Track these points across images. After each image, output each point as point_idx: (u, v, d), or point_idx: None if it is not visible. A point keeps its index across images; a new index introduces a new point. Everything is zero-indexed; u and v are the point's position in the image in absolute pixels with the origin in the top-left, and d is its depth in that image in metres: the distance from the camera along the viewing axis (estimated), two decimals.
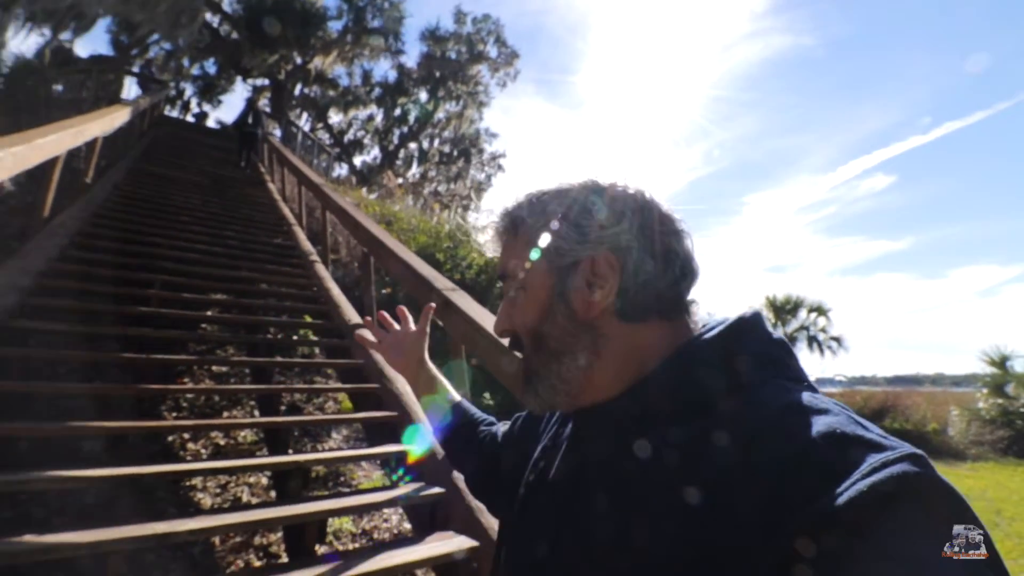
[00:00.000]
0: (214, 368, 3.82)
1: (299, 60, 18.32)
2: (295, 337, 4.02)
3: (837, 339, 13.49)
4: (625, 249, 0.50)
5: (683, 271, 0.51)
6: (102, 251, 3.60)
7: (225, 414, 3.53)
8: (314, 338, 3.93)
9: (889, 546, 0.32)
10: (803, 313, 13.61)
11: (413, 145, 22.83)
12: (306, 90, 20.45)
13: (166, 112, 13.31)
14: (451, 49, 20.86)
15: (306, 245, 5.28)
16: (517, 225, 0.56)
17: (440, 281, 2.57)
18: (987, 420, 9.88)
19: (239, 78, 18.23)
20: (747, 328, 0.48)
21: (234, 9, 16.12)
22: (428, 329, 0.91)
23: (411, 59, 20.81)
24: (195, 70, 17.77)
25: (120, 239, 3.90)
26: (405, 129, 22.48)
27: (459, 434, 0.84)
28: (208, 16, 14.98)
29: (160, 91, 10.41)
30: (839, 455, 0.35)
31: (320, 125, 21.85)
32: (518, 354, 0.57)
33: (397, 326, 0.93)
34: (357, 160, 22.30)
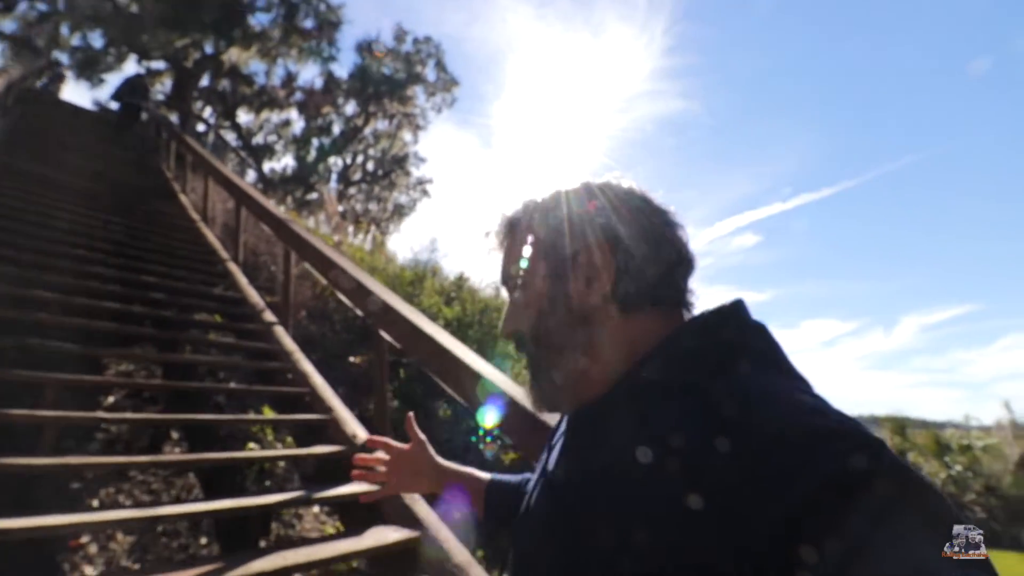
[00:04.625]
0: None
1: (211, 49, 16.12)
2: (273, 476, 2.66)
3: None
4: (615, 237, 0.51)
5: (678, 257, 0.52)
6: None
7: None
8: (318, 495, 1.95)
9: (847, 532, 0.33)
10: None
11: (333, 159, 21.10)
12: (214, 82, 18.13)
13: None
14: (387, 65, 19.71)
15: (254, 296, 3.99)
16: (514, 228, 0.58)
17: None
18: None
19: (133, 56, 15.52)
20: (727, 316, 0.49)
21: None
22: (421, 436, 0.83)
23: (342, 68, 19.27)
24: (75, 40, 14.84)
25: None
26: (327, 140, 20.74)
27: (508, 509, 0.72)
28: None
29: (36, 60, 8.23)
30: (805, 445, 0.36)
31: (227, 123, 19.46)
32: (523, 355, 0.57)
33: (396, 444, 0.84)
34: (266, 166, 20.10)
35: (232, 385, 2.70)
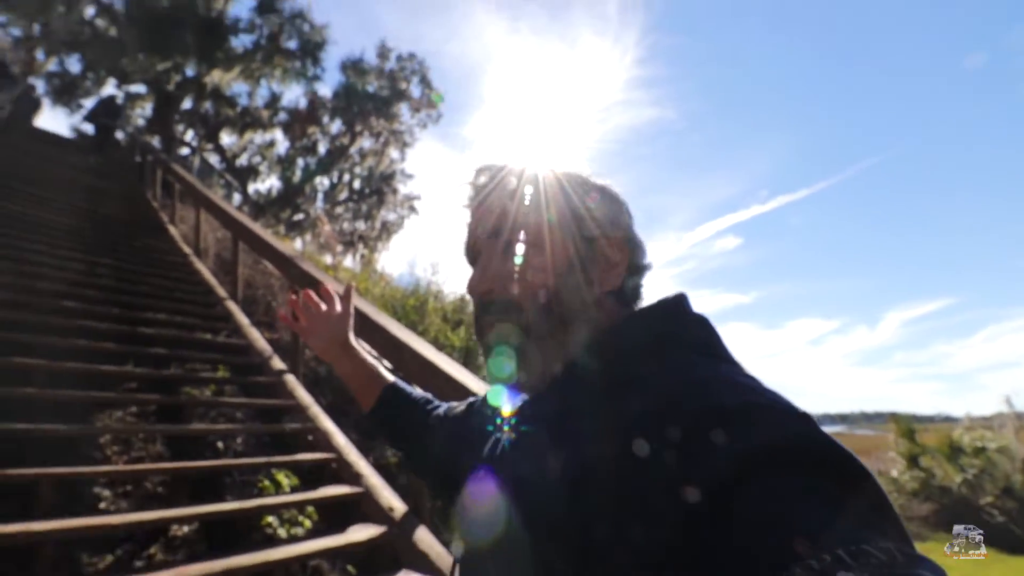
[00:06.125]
0: None
1: (192, 71, 15.77)
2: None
3: None
4: (634, 241, 0.56)
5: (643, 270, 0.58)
6: None
7: None
8: None
9: (764, 500, 0.33)
10: None
11: (319, 178, 20.78)
12: (196, 105, 17.77)
13: None
14: (372, 83, 19.53)
15: (260, 341, 3.67)
16: (534, 187, 0.55)
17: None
18: (910, 493, 10.25)
19: (113, 81, 15.12)
20: (671, 310, 0.52)
21: (115, 1, 13.36)
22: (352, 310, 0.86)
23: (327, 87, 19.05)
24: (52, 65, 14.40)
25: None
26: (313, 160, 20.47)
27: (402, 414, 0.80)
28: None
29: (13, 87, 7.84)
30: (738, 419, 0.38)
31: (210, 145, 19.08)
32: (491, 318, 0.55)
33: (324, 306, 0.87)
34: (250, 188, 19.72)
35: (248, 460, 2.39)
